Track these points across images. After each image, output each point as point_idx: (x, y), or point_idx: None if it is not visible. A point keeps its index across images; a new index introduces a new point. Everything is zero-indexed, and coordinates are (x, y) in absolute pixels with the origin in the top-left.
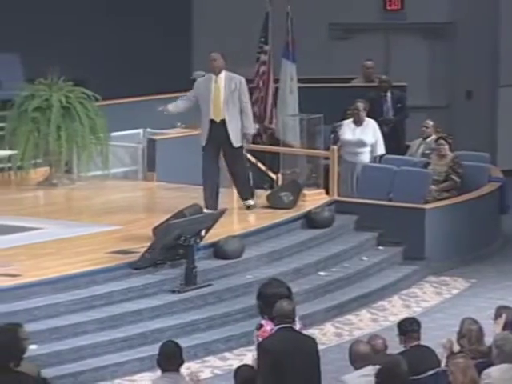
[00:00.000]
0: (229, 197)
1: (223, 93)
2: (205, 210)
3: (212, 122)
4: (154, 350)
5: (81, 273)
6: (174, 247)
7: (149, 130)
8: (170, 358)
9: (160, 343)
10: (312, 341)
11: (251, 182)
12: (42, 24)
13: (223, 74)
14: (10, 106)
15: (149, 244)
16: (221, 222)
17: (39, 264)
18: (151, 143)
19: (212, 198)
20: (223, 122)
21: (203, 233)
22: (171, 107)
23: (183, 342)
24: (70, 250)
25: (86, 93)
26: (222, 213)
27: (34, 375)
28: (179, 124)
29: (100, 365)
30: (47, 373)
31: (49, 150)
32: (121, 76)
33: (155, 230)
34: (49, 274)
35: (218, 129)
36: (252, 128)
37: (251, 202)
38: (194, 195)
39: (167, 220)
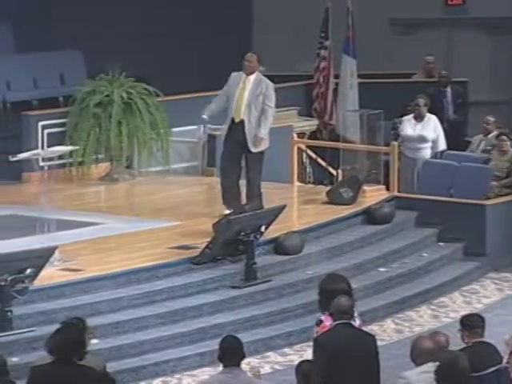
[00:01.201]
0: (289, 192)
1: (247, 95)
2: (226, 211)
3: (232, 120)
4: (214, 345)
5: (142, 268)
6: (234, 243)
7: (209, 125)
8: (231, 353)
9: (220, 338)
10: (371, 337)
11: (260, 191)
12: (104, 21)
13: (253, 77)
14: (72, 102)
15: (209, 239)
16: (281, 217)
17: (101, 259)
18: (211, 139)
19: (233, 198)
20: (242, 123)
21: (263, 228)
22: (207, 114)
23: (243, 338)
24: (132, 245)
25: (147, 88)
26: (282, 208)
27: (98, 369)
28: None
29: (161, 359)
30: (109, 367)
31: (110, 145)
32: (182, 72)
33: (215, 225)
34: (111, 268)
35: (237, 129)
36: (265, 133)
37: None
38: None
39: (227, 215)
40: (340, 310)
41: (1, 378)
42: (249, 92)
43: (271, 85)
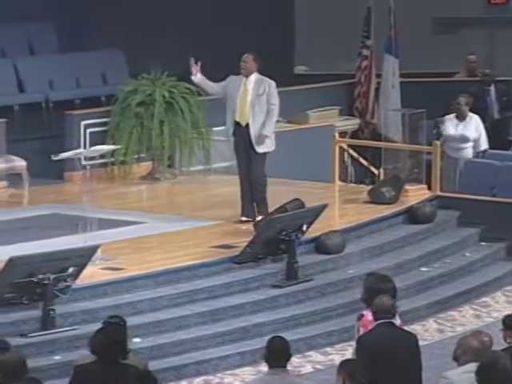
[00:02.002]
0: (330, 192)
1: (250, 96)
2: (242, 218)
3: (237, 124)
4: (255, 344)
5: (183, 267)
6: (276, 242)
7: None
8: (278, 354)
9: (261, 338)
10: (413, 336)
11: (265, 196)
12: (145, 20)
13: (253, 77)
14: (114, 101)
15: (250, 238)
16: (322, 216)
17: (142, 258)
18: None
19: (249, 204)
20: (247, 126)
21: (305, 227)
22: (200, 78)
23: (285, 337)
24: (173, 244)
25: (189, 88)
26: (324, 208)
27: (140, 368)
28: (281, 119)
29: (202, 358)
30: (150, 366)
31: (152, 144)
32: (223, 71)
33: (257, 224)
34: (152, 267)
35: (243, 132)
36: (270, 132)
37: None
38: (296, 190)
39: (269, 215)
40: (382, 309)
41: (23, 377)
42: (251, 93)
43: (273, 83)
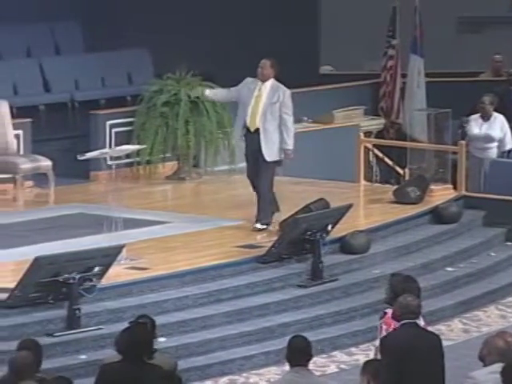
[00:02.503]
0: (355, 192)
1: (263, 103)
2: (257, 225)
3: (247, 129)
4: (280, 344)
5: (208, 266)
6: (301, 242)
7: None
8: (299, 353)
9: (286, 337)
10: (436, 337)
11: (271, 203)
12: (170, 20)
13: (269, 83)
14: (139, 101)
15: (275, 238)
16: (347, 216)
17: (168, 257)
18: None
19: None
20: (257, 132)
21: (330, 227)
22: (208, 92)
23: (309, 337)
24: (198, 244)
25: (214, 87)
26: (349, 207)
27: (169, 367)
28: (306, 118)
29: (227, 358)
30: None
31: (177, 144)
32: (248, 70)
33: (282, 224)
34: (177, 267)
35: (252, 138)
36: (291, 144)
37: (258, 225)
38: (321, 190)
39: (294, 214)
40: (406, 309)
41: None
42: (265, 99)
43: (288, 92)
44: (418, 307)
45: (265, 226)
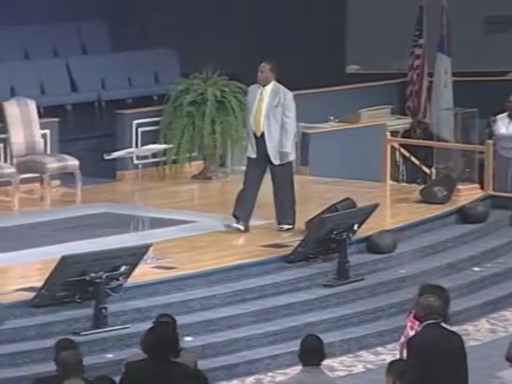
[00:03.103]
0: (381, 191)
1: (265, 106)
2: (234, 225)
3: (254, 135)
4: None
5: (234, 266)
6: (327, 241)
7: (302, 123)
8: (312, 353)
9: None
10: (459, 337)
11: (293, 205)
12: (197, 19)
13: (270, 87)
14: (166, 101)
15: (302, 238)
16: (373, 216)
17: (194, 257)
18: (305, 137)
19: (245, 208)
20: (262, 136)
21: (356, 227)
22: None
23: (336, 336)
24: (224, 243)
25: (241, 87)
26: (375, 207)
27: (193, 366)
28: (332, 118)
29: (254, 357)
30: (202, 364)
31: (203, 143)
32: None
33: (308, 223)
34: (203, 266)
35: (259, 143)
36: (289, 147)
37: (286, 226)
38: (347, 189)
39: (320, 214)
40: (429, 309)
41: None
42: (266, 103)
43: (290, 94)
44: (439, 307)
45: (291, 226)
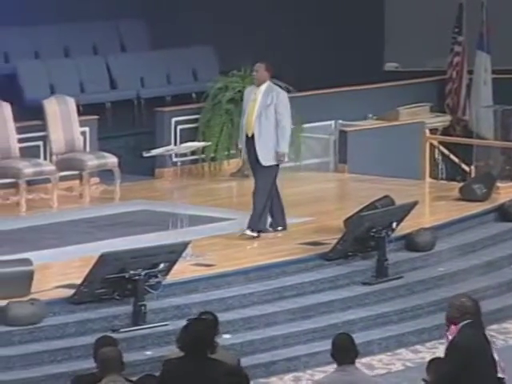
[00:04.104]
0: (420, 189)
1: (258, 106)
2: (247, 231)
3: (246, 135)
4: None
5: (273, 263)
6: (366, 239)
7: (340, 121)
8: (345, 351)
9: (351, 335)
10: (486, 336)
11: (265, 212)
12: (236, 17)
13: (263, 87)
14: (204, 98)
15: (340, 235)
16: (412, 214)
17: (232, 254)
18: (343, 135)
19: (277, 215)
20: (253, 136)
21: (394, 225)
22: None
23: (375, 334)
24: (262, 241)
25: (279, 84)
26: (414, 205)
27: (231, 363)
28: (371, 115)
29: (292, 355)
30: (241, 362)
31: None
32: (313, 68)
33: (347, 221)
34: (242, 264)
35: (250, 144)
36: (285, 147)
37: (249, 232)
38: (386, 187)
39: (359, 212)
40: (464, 309)
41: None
42: (259, 103)
43: (282, 93)
44: (472, 307)
45: (255, 234)
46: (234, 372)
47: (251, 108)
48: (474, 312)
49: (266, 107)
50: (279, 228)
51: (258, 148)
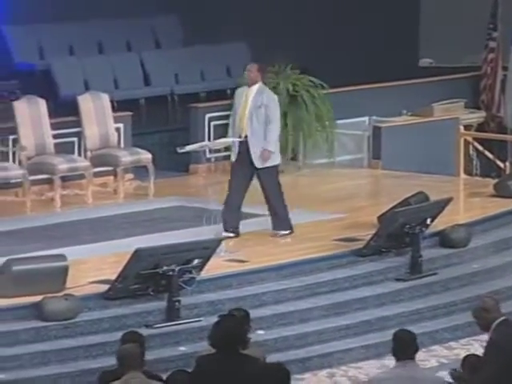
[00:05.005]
0: (455, 185)
1: (249, 106)
2: (224, 233)
3: (239, 137)
4: (379, 337)
5: (306, 259)
6: (400, 235)
7: (374, 117)
8: (405, 346)
9: (385, 331)
10: None
11: (286, 209)
12: (269, 13)
13: (256, 87)
14: None
15: (374, 232)
16: (447, 210)
17: (266, 250)
18: (377, 131)
19: (231, 218)
20: (246, 138)
21: (429, 221)
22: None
23: None
24: (296, 237)
25: (313, 81)
26: (449, 201)
27: (261, 359)
28: (405, 112)
29: (326, 351)
30: (275, 358)
31: None
32: (347, 64)
33: (380, 217)
34: (275, 260)
35: (243, 146)
36: (272, 145)
37: (282, 232)
38: (420, 183)
39: (392, 208)
40: (493, 310)
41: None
42: (250, 104)
43: (272, 96)
44: (494, 306)
45: (288, 232)
46: (277, 368)
47: (243, 109)
48: (498, 308)
49: (256, 108)
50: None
51: (251, 151)
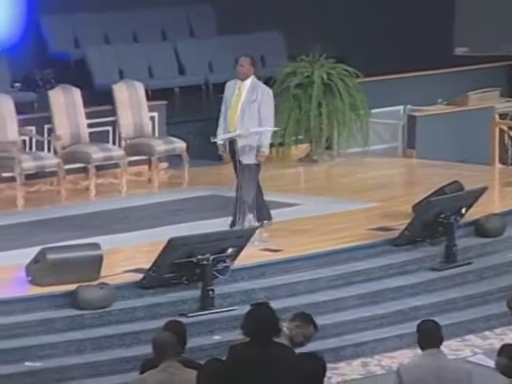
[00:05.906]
0: (489, 174)
1: (242, 101)
2: (257, 223)
3: (229, 132)
4: (413, 327)
5: (341, 249)
6: (434, 224)
7: (409, 106)
8: (430, 336)
9: (419, 321)
10: None
11: (252, 210)
12: (304, 2)
13: (249, 82)
14: (272, 83)
15: (408, 221)
16: (482, 199)
17: (299, 240)
18: (411, 120)
19: (260, 209)
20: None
21: (464, 210)
22: (219, 139)
23: (443, 320)
24: (330, 227)
25: (348, 70)
26: (483, 190)
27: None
28: (440, 101)
29: (360, 340)
30: (309, 347)
31: (310, 126)
32: (382, 53)
33: (415, 207)
34: (309, 249)
35: (232, 141)
36: (266, 146)
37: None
38: (455, 172)
39: (427, 197)
40: None
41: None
42: (243, 98)
43: (267, 90)
44: None
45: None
46: (314, 357)
47: (235, 104)
48: None
49: (250, 103)
50: (265, 222)
51: (239, 145)
